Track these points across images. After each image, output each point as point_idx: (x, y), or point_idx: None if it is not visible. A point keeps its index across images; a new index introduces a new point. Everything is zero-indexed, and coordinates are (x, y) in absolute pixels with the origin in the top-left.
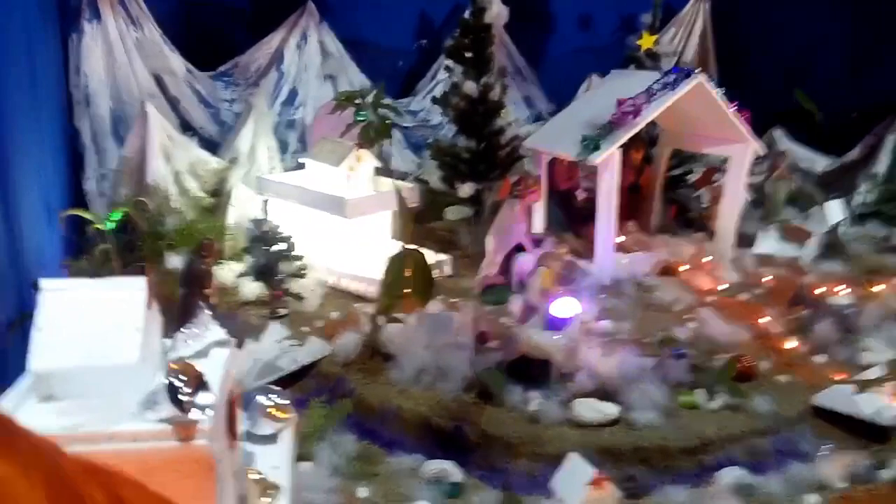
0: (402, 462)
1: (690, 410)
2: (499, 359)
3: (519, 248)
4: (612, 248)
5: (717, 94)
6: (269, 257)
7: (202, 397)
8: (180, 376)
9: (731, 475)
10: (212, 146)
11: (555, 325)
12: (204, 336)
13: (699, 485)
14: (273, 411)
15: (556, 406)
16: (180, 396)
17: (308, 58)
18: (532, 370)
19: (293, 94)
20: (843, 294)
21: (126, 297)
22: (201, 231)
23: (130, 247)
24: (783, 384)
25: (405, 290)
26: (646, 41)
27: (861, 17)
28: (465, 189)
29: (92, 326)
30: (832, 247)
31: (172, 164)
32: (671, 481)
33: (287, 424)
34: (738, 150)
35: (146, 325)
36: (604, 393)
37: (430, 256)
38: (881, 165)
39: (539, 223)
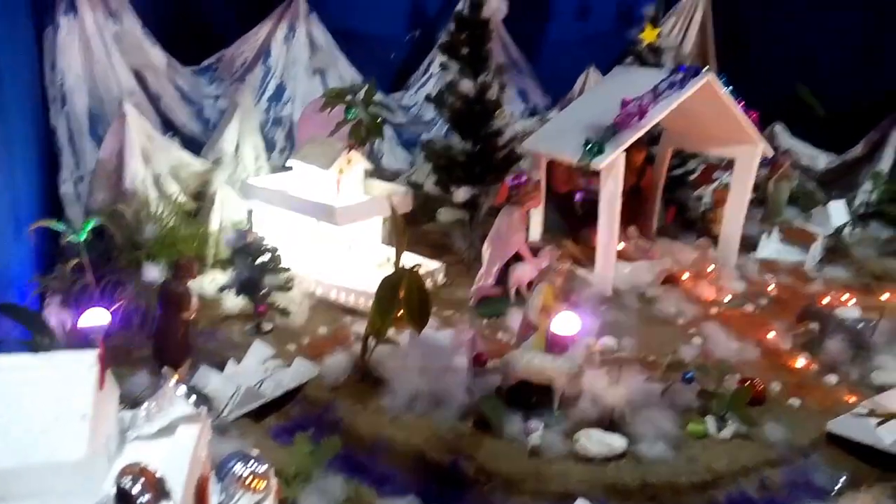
0: None
1: (699, 440)
2: (497, 384)
3: (517, 258)
4: (614, 257)
5: (725, 93)
6: (254, 270)
7: None
8: (135, 483)
9: None
10: (194, 146)
11: (556, 344)
12: (168, 411)
13: None
14: (251, 481)
15: (558, 438)
16: None
17: (296, 51)
18: (533, 397)
19: (281, 89)
20: (851, 305)
21: (72, 376)
22: (182, 238)
23: (106, 258)
24: (795, 408)
25: (399, 313)
26: (648, 35)
27: (867, 7)
28: (461, 193)
29: (32, 414)
30: (836, 250)
31: (152, 166)
32: None
33: (267, 494)
34: (745, 152)
35: (97, 410)
36: (609, 421)
37: (423, 265)
38: (885, 163)
39: (536, 229)
